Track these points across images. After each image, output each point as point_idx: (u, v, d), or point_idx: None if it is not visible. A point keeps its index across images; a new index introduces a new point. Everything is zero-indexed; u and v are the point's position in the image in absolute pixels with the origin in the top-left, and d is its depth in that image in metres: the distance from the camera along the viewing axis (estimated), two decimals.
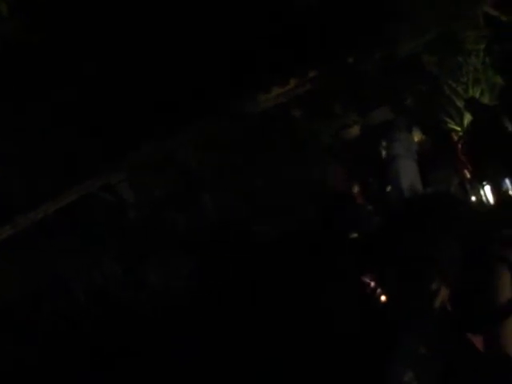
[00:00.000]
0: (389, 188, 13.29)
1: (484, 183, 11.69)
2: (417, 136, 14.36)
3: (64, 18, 12.69)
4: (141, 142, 13.75)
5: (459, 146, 13.02)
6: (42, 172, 13.47)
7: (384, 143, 13.65)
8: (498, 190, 11.47)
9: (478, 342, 2.87)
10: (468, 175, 12.41)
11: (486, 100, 13.98)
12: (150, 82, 13.59)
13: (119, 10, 13.23)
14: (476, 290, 2.86)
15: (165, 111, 13.52)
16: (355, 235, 11.23)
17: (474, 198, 11.82)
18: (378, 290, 6.45)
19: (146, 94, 13.58)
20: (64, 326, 12.21)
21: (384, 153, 13.57)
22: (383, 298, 6.29)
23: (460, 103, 14.06)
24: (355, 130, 15.94)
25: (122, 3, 13.22)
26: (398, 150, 13.18)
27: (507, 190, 11.34)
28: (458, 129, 14.14)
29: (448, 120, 14.34)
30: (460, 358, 2.87)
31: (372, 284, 6.66)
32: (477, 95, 14.09)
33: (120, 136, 13.30)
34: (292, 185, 13.95)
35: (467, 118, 13.69)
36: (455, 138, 13.60)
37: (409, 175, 12.83)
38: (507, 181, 11.33)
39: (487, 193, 11.63)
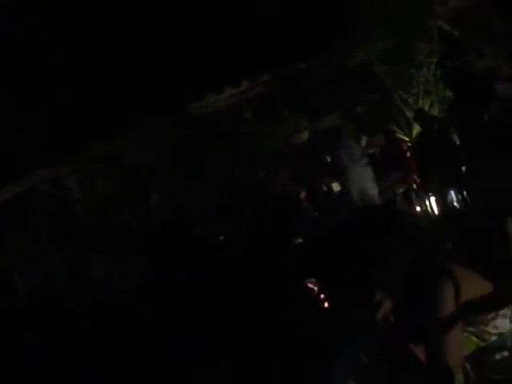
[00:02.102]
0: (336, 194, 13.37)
1: (430, 194, 11.80)
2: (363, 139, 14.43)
3: None
4: (91, 137, 13.64)
5: (407, 155, 13.14)
6: None
7: (333, 151, 13.73)
8: (442, 202, 11.58)
9: (420, 352, 2.89)
10: (414, 185, 12.52)
11: (435, 112, 14.14)
12: (102, 79, 13.51)
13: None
14: (419, 302, 2.88)
15: (116, 109, 13.44)
16: (300, 240, 11.28)
17: (418, 208, 11.93)
18: (322, 296, 6.43)
19: (97, 91, 13.48)
20: (4, 323, 12.02)
21: (333, 160, 13.64)
22: (326, 304, 6.28)
23: (410, 114, 14.20)
24: (304, 135, 15.99)
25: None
26: (347, 157, 13.24)
27: (451, 202, 11.45)
28: (407, 139, 14.28)
29: (397, 130, 14.47)
30: (402, 368, 2.89)
31: (316, 289, 6.65)
32: (426, 107, 14.24)
33: (70, 130, 13.19)
34: (239, 187, 13.95)
35: (416, 129, 13.83)
36: (405, 147, 13.72)
37: (360, 182, 12.91)
38: (452, 192, 11.45)
39: (432, 203, 11.73)
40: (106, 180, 14.40)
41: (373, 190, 12.90)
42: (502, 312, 2.88)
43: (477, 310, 2.86)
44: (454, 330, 2.79)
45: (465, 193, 10.92)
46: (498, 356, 2.87)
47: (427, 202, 11.82)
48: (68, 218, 14.14)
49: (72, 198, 14.58)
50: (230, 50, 14.01)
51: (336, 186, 13.67)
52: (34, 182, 14.46)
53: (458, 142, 12.20)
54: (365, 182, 12.92)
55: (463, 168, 11.19)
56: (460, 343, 2.83)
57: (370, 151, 13.93)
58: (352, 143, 13.65)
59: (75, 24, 13.56)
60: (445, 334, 2.77)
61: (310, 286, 6.70)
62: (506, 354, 2.85)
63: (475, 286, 2.81)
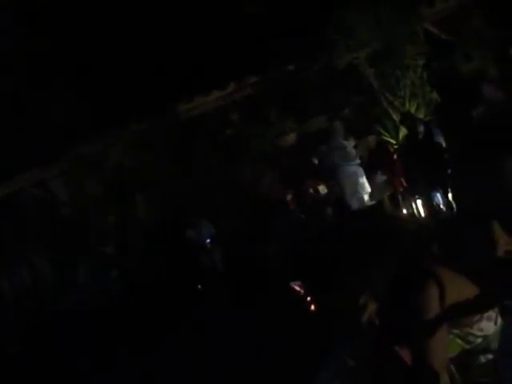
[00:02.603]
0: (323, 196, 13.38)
1: (416, 196, 11.81)
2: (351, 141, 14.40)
3: None
4: (77, 139, 13.60)
5: (394, 158, 13.15)
6: None
7: (324, 151, 13.72)
8: (429, 204, 11.59)
9: (405, 355, 2.89)
10: (401, 188, 12.54)
11: (421, 115, 14.14)
12: (89, 81, 13.49)
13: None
14: (404, 304, 2.87)
15: (103, 110, 13.41)
16: (287, 241, 11.27)
17: (405, 211, 11.94)
18: (308, 299, 6.39)
19: (84, 92, 13.46)
20: None
21: (322, 161, 13.63)
22: (312, 306, 6.24)
23: (396, 116, 14.20)
24: (291, 138, 15.98)
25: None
26: (339, 158, 13.24)
27: (438, 204, 11.47)
28: (393, 142, 14.28)
29: (384, 132, 14.47)
30: (388, 370, 2.88)
31: (302, 292, 6.60)
32: (413, 109, 14.24)
33: (56, 133, 13.15)
34: (226, 189, 13.94)
35: (402, 132, 13.82)
36: (391, 150, 13.73)
37: (352, 183, 12.94)
38: (438, 195, 11.46)
39: (419, 206, 11.75)
40: (93, 181, 14.35)
41: (364, 191, 12.95)
42: (486, 314, 2.87)
43: (462, 313, 2.85)
44: (440, 332, 2.78)
45: (450, 196, 10.93)
46: (482, 359, 2.86)
47: (414, 205, 11.84)
48: (55, 221, 14.09)
49: (59, 201, 14.52)
50: (218, 52, 14.00)
51: (323, 189, 13.67)
52: (22, 185, 14.41)
53: (444, 145, 12.22)
54: (357, 182, 12.97)
55: (449, 171, 11.20)
56: (445, 345, 2.82)
57: (358, 154, 13.94)
58: (345, 143, 13.63)
59: (63, 25, 13.55)
60: (430, 336, 2.77)
61: (296, 288, 6.67)
62: (490, 356, 2.84)
63: (460, 289, 2.80)
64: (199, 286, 11.76)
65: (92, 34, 13.82)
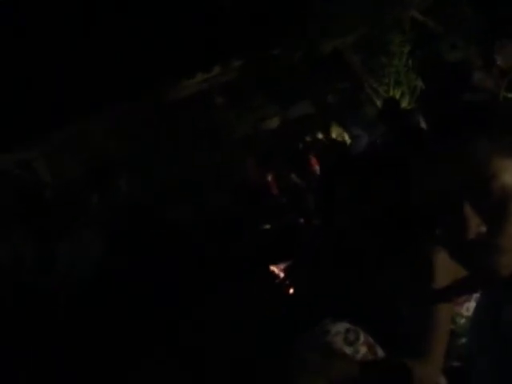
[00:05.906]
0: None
1: None
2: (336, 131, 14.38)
3: None
4: (59, 122, 13.55)
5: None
6: None
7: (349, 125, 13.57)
8: None
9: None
10: None
11: (405, 103, 14.15)
12: (71, 62, 13.43)
13: None
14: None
15: (83, 94, 13.35)
16: (268, 226, 11.26)
17: None
18: (287, 282, 6.42)
19: (64, 77, 13.39)
20: None
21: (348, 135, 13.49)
22: (291, 290, 6.25)
23: (379, 103, 14.20)
24: (275, 122, 16.00)
25: None
26: (358, 130, 13.09)
27: None
28: None
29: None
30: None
31: (281, 275, 6.63)
32: (397, 97, 14.25)
33: (38, 114, 13.09)
34: (207, 173, 13.92)
35: None
36: None
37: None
38: None
39: None
40: (74, 162, 14.30)
41: None
42: (475, 295, 2.86)
43: (456, 291, 2.85)
44: (446, 304, 2.78)
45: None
46: (463, 340, 2.85)
47: None
48: (36, 202, 14.01)
49: (41, 182, 14.46)
50: (202, 35, 13.95)
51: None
52: (4, 165, 14.34)
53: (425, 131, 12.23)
54: None
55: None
56: (449, 317, 2.82)
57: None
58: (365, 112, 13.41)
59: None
60: (437, 306, 2.75)
61: (276, 271, 6.68)
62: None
63: (457, 267, 2.78)
64: (179, 270, 11.70)
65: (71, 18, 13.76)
